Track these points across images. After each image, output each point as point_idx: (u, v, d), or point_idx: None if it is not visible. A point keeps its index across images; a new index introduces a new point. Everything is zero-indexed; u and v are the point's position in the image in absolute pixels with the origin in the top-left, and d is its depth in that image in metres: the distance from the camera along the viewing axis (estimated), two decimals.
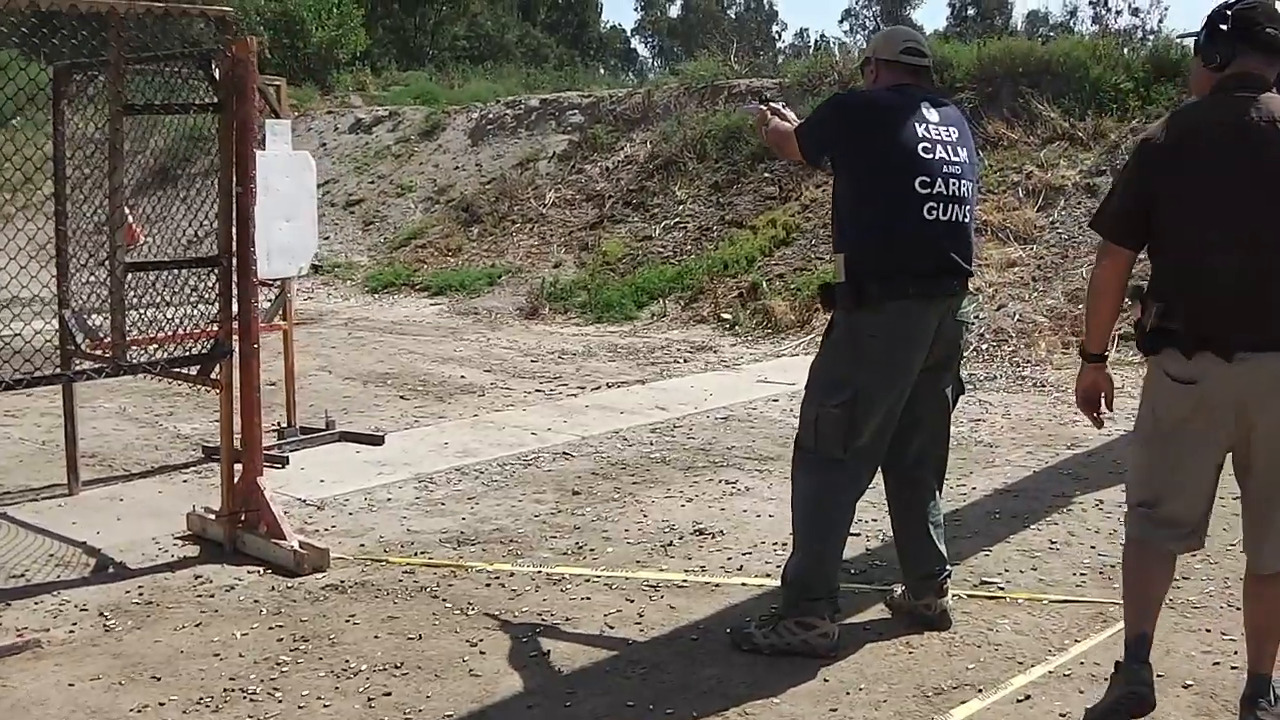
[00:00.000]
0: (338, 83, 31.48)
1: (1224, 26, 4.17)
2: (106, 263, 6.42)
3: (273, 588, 5.92)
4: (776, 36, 79.33)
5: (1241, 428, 4.11)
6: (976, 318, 12.44)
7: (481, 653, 5.09)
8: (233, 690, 4.73)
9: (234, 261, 6.27)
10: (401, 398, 11.00)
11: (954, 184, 4.98)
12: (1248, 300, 4.02)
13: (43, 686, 4.80)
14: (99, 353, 6.89)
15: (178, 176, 7.69)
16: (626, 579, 6.00)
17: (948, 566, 5.39)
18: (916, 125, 4.98)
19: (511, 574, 6.09)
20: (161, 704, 4.62)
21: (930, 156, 4.95)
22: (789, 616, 5.08)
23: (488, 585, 5.92)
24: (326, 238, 21.16)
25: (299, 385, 10.96)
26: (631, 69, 65.42)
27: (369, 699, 4.65)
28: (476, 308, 16.91)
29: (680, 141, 18.57)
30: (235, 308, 6.37)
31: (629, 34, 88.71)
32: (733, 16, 78.66)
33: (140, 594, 5.86)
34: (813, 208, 15.95)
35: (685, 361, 12.79)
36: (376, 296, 18.58)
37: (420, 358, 13.21)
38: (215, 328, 6.41)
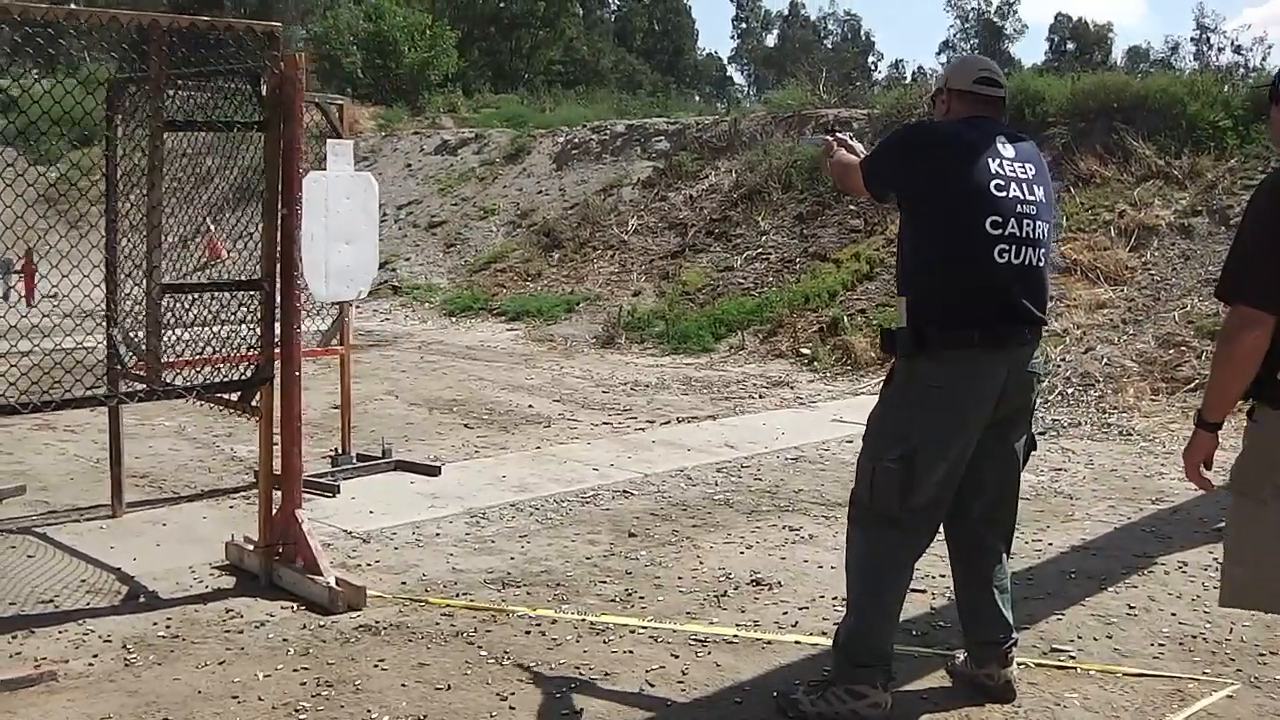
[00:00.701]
0: (429, 104, 31.55)
1: None
2: (143, 284, 6.24)
3: (304, 626, 5.69)
4: (872, 67, 78.88)
5: None
6: (1059, 361, 12.06)
7: (511, 708, 4.82)
8: None
9: (277, 285, 6.05)
10: (466, 426, 10.79)
11: (1028, 225, 4.64)
12: None
13: None
14: (144, 373, 6.72)
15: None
16: (674, 631, 5.71)
17: (1014, 635, 5.02)
18: (990, 160, 4.65)
19: (554, 621, 5.82)
20: None
21: (1003, 195, 4.61)
22: (839, 683, 4.76)
23: (527, 633, 5.65)
24: (407, 259, 21.15)
25: (363, 410, 10.87)
26: (725, 97, 65.11)
27: None
28: (553, 334, 16.72)
29: (765, 171, 18.32)
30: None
31: (725, 62, 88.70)
32: (829, 46, 78.32)
33: (168, 626, 5.66)
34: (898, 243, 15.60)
35: (760, 397, 12.49)
36: (454, 320, 18.46)
37: (490, 385, 13.01)
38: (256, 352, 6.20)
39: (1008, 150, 4.73)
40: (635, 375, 13.82)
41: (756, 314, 15.55)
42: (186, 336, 6.59)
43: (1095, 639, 5.69)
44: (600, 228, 19.57)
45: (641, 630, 5.72)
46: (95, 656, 5.28)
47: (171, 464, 9.03)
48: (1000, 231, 4.58)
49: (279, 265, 6.06)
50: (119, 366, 6.82)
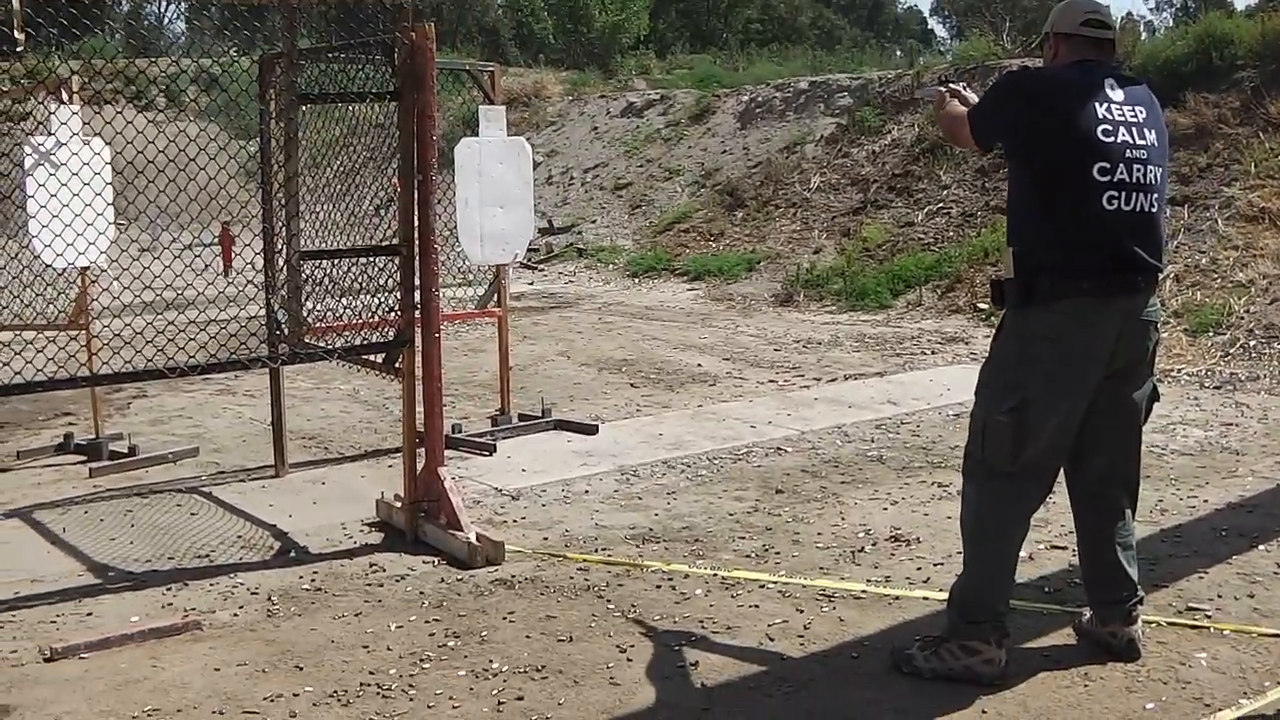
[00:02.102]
0: (621, 67, 31.73)
1: None
2: (282, 251, 6.48)
3: (442, 580, 5.88)
4: None
5: None
6: (1242, 314, 11.73)
7: (629, 660, 4.92)
8: (369, 685, 4.69)
9: (416, 250, 6.22)
10: (631, 385, 10.92)
11: (1139, 170, 4.54)
12: None
13: (189, 670, 4.85)
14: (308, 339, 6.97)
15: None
16: (803, 586, 5.75)
17: (1138, 593, 4.94)
18: (1097, 105, 4.54)
19: (686, 576, 5.91)
20: (295, 694, 4.61)
21: (1111, 140, 4.51)
22: (952, 639, 4.75)
23: (658, 587, 5.75)
24: (593, 222, 21.38)
25: (534, 371, 11.10)
26: (926, 50, 64.09)
27: (499, 702, 4.53)
28: (732, 294, 16.77)
29: None
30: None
31: (926, 15, 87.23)
32: None
33: (313, 580, 5.90)
34: None
35: (933, 354, 12.38)
36: (636, 281, 18.62)
37: (662, 344, 13.13)
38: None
39: (1116, 94, 4.62)
40: (810, 333, 13.81)
41: (935, 269, 15.39)
42: (343, 302, 6.83)
43: (1236, 598, 5.54)
44: (783, 185, 19.52)
45: (771, 585, 5.77)
46: (241, 608, 5.54)
47: (341, 426, 9.35)
48: (1109, 178, 4.50)
49: (416, 231, 6.23)
50: (277, 332, 7.08)
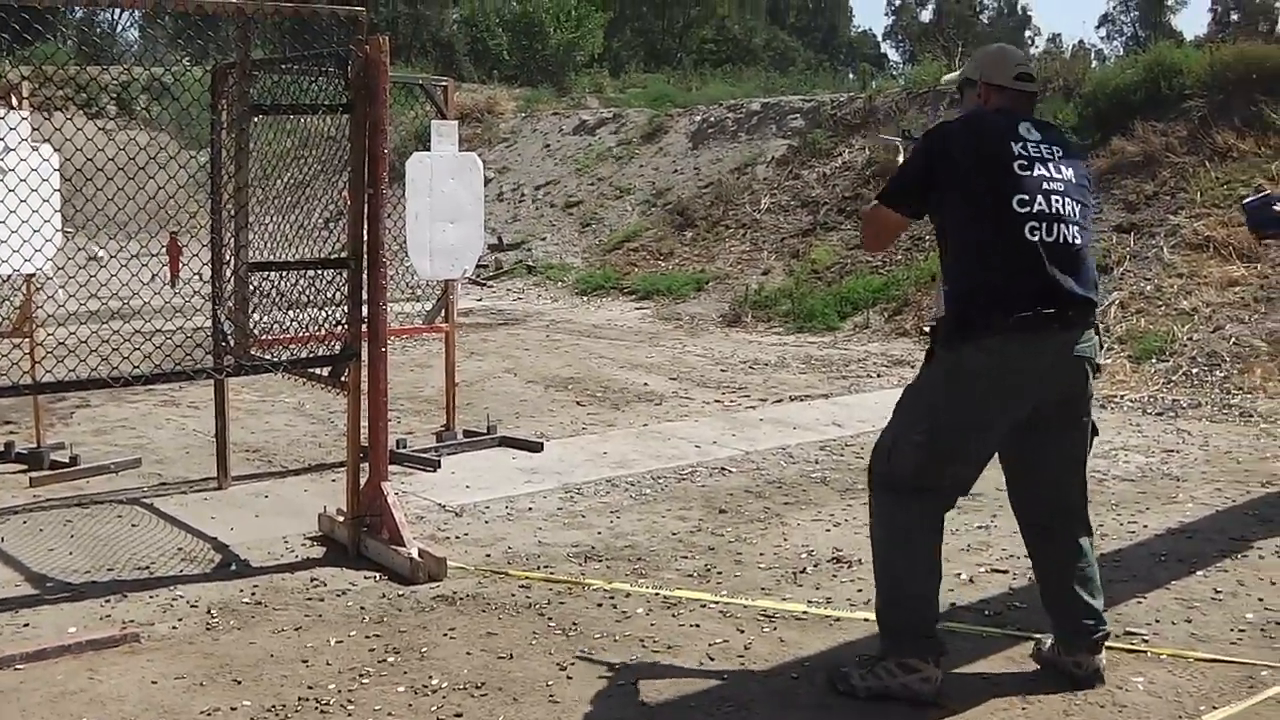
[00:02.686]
0: (575, 85, 31.77)
1: None
2: (230, 262, 6.47)
3: (383, 595, 5.87)
4: (1029, 42, 77.37)
5: None
6: (1185, 341, 11.86)
7: (569, 678, 4.93)
8: (307, 699, 4.66)
9: (364, 264, 6.22)
10: (578, 403, 10.93)
11: (1056, 201, 4.62)
12: None
13: (126, 682, 4.82)
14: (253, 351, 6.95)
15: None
16: (744, 607, 5.77)
17: (1104, 624, 4.93)
18: (1013, 143, 4.65)
19: (628, 595, 5.92)
20: (233, 708, 4.58)
21: (1027, 173, 4.61)
22: (889, 657, 4.79)
23: (599, 605, 5.76)
24: (543, 239, 21.39)
25: (480, 387, 11.10)
26: (879, 74, 64.42)
27: (438, 719, 4.53)
28: (680, 313, 16.82)
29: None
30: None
31: (879, 39, 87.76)
32: (985, 21, 77.13)
33: (253, 593, 5.88)
34: None
35: (879, 376, 12.46)
36: (585, 299, 18.64)
37: (608, 363, 13.15)
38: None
39: (1033, 134, 4.73)
40: (756, 354, 13.86)
41: (883, 292, 15.49)
42: (290, 315, 6.81)
43: (1173, 623, 5.60)
44: (733, 206, 19.60)
45: (712, 605, 5.79)
46: (180, 620, 5.51)
47: (285, 439, 9.32)
48: (1028, 209, 4.57)
49: (365, 244, 6.23)
50: (223, 343, 7.05)
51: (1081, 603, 4.89)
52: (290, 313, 6.78)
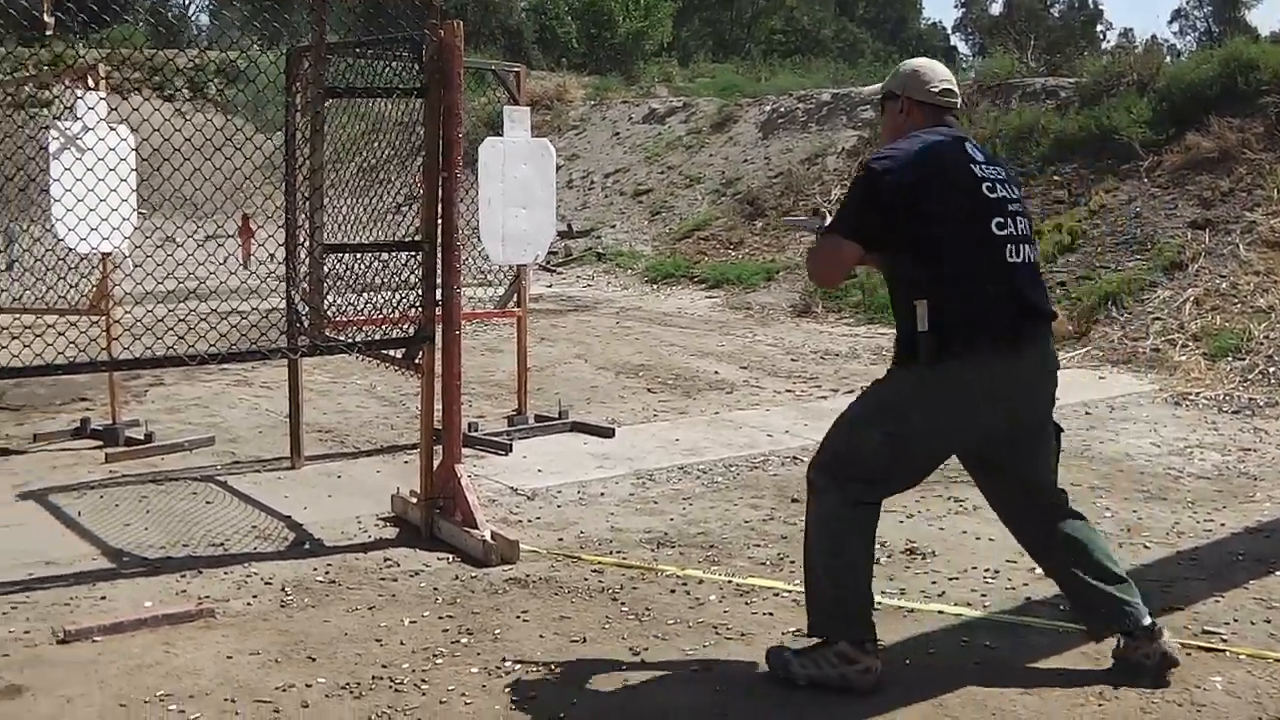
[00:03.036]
0: (643, 74, 31.74)
1: None
2: (305, 244, 6.50)
3: (456, 577, 5.87)
4: (1100, 36, 76.50)
5: None
6: (1262, 339, 11.69)
7: (642, 662, 4.91)
8: (381, 678, 4.68)
9: (438, 247, 6.23)
10: (649, 390, 10.91)
11: (1021, 222, 4.68)
12: None
13: (201, 657, 4.86)
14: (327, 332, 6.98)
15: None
16: None
17: (1139, 609, 4.82)
18: (972, 167, 4.66)
19: (701, 581, 5.89)
20: (308, 685, 4.60)
21: (995, 195, 4.63)
22: (828, 646, 4.72)
23: (672, 591, 5.74)
24: (612, 226, 21.39)
25: (551, 373, 11.11)
26: (950, 67, 63.85)
27: (512, 700, 4.52)
28: (750, 303, 16.76)
29: None
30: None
31: (949, 31, 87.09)
32: (1055, 15, 76.30)
33: (326, 572, 5.91)
34: (1101, 214, 15.27)
35: None
36: (655, 287, 18.62)
37: (679, 351, 13.12)
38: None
39: (978, 154, 4.75)
40: (827, 344, 13.79)
41: None
42: (363, 297, 6.84)
43: (1252, 623, 5.48)
44: (804, 196, 19.50)
45: (785, 593, 5.75)
46: (255, 597, 5.55)
47: (357, 420, 9.36)
48: (1005, 232, 4.60)
49: (439, 228, 6.24)
50: (297, 324, 7.09)
51: (1100, 594, 4.83)
52: (363, 295, 6.80)
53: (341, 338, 6.75)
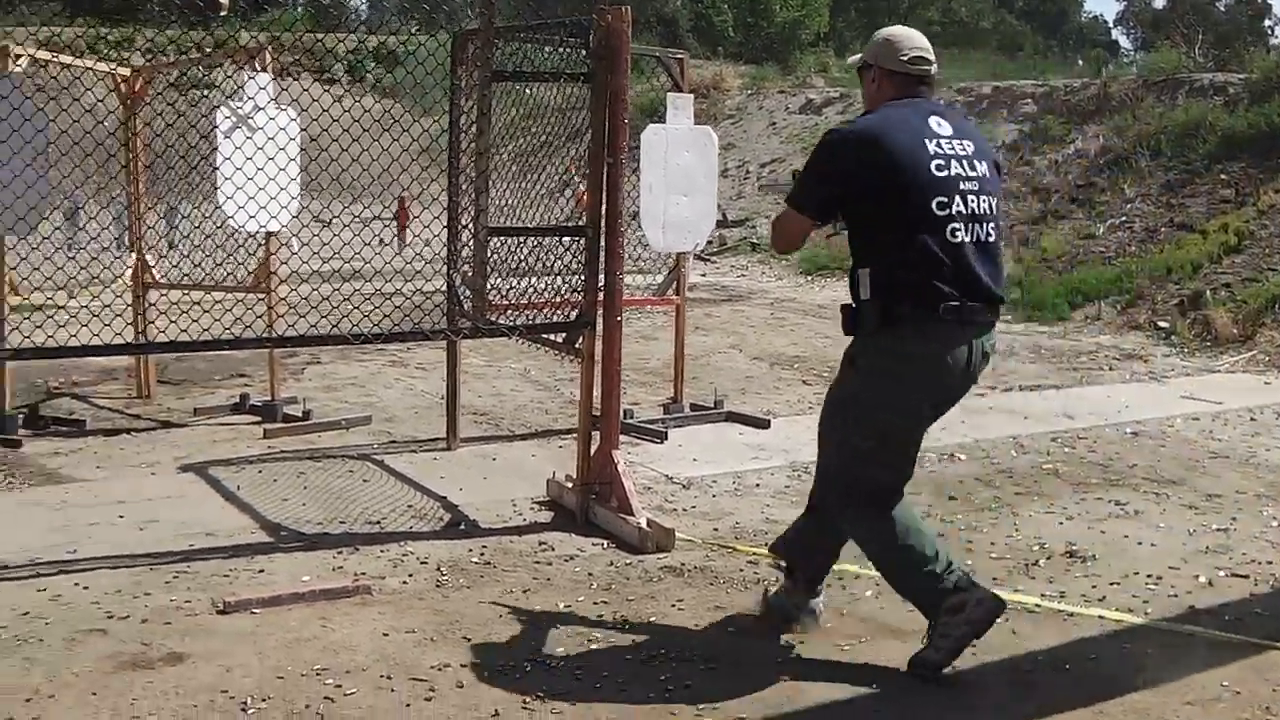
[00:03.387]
0: (799, 63, 31.59)
1: None
2: (470, 226, 6.52)
3: (611, 563, 5.86)
4: (1269, 31, 74.48)
5: None
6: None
7: (799, 656, 4.86)
8: (536, 660, 4.69)
9: (601, 232, 6.22)
10: (804, 382, 10.85)
11: (974, 200, 4.59)
12: None
13: (358, 633, 4.90)
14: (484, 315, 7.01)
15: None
16: None
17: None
18: (926, 142, 4.59)
19: (856, 576, 5.79)
20: (462, 665, 4.62)
21: (945, 174, 4.56)
22: (938, 621, 4.73)
23: (828, 586, 5.62)
24: (767, 217, 21.27)
25: (706, 362, 11.08)
26: (1114, 61, 62.72)
27: (667, 689, 4.49)
28: None
29: (1134, 136, 17.73)
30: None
31: (1110, 25, 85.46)
32: (1221, 8, 74.48)
33: (481, 553, 5.93)
34: (1270, 214, 14.88)
35: (1110, 369, 12.12)
36: (809, 279, 18.53)
37: (834, 343, 12.93)
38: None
39: (944, 129, 4.67)
40: None
41: (1115, 284, 15.09)
42: (520, 281, 6.87)
43: None
44: None
45: None
46: (410, 576, 5.59)
47: (511, 404, 9.41)
48: (948, 212, 4.54)
49: (603, 213, 6.22)
50: (456, 306, 7.13)
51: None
52: (519, 279, 6.82)
53: (501, 321, 6.77)
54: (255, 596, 5.19)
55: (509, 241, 6.82)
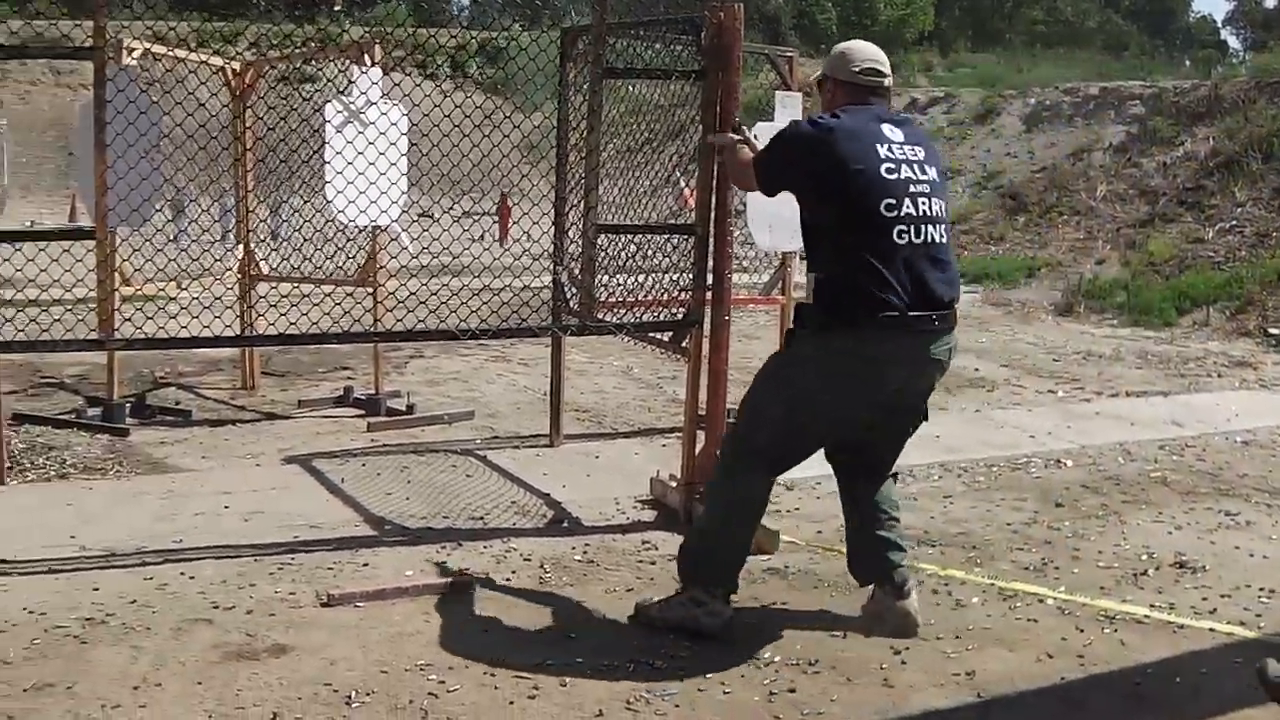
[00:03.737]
0: (903, 62, 31.42)
1: None
2: (579, 223, 6.52)
3: None
4: None
5: None
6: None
7: (903, 662, 4.80)
8: (640, 661, 4.67)
9: (710, 230, 6.20)
10: None
11: (923, 203, 4.75)
12: None
13: (462, 628, 4.94)
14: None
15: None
16: (1083, 605, 5.51)
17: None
18: (877, 146, 4.75)
19: (963, 583, 5.74)
20: (567, 663, 4.61)
21: (894, 177, 4.72)
22: (684, 592, 5.01)
23: (934, 592, 5.60)
24: None
25: None
26: (1223, 62, 61.76)
27: (771, 693, 4.46)
28: (1010, 299, 16.44)
29: (1246, 139, 17.43)
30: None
31: (1219, 24, 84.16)
32: None
33: (584, 552, 5.94)
34: None
35: (1219, 376, 11.91)
36: None
37: None
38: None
39: (895, 134, 4.83)
40: (1089, 345, 13.44)
41: (1224, 289, 14.84)
42: (626, 279, 6.86)
43: None
44: (1067, 192, 19.09)
45: (1050, 600, 5.57)
46: (513, 573, 5.61)
47: (614, 401, 9.42)
48: (895, 214, 4.67)
49: (713, 211, 6.21)
50: (562, 303, 7.14)
51: (881, 545, 5.15)
52: (625, 277, 6.82)
53: (607, 318, 6.77)
54: (359, 590, 5.22)
55: (614, 239, 6.82)
